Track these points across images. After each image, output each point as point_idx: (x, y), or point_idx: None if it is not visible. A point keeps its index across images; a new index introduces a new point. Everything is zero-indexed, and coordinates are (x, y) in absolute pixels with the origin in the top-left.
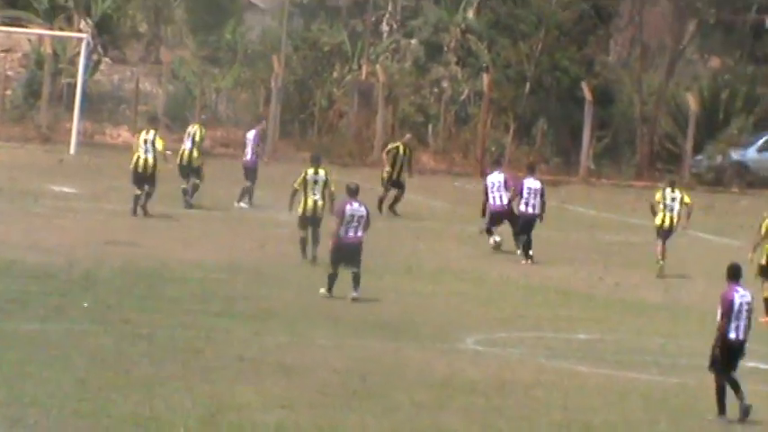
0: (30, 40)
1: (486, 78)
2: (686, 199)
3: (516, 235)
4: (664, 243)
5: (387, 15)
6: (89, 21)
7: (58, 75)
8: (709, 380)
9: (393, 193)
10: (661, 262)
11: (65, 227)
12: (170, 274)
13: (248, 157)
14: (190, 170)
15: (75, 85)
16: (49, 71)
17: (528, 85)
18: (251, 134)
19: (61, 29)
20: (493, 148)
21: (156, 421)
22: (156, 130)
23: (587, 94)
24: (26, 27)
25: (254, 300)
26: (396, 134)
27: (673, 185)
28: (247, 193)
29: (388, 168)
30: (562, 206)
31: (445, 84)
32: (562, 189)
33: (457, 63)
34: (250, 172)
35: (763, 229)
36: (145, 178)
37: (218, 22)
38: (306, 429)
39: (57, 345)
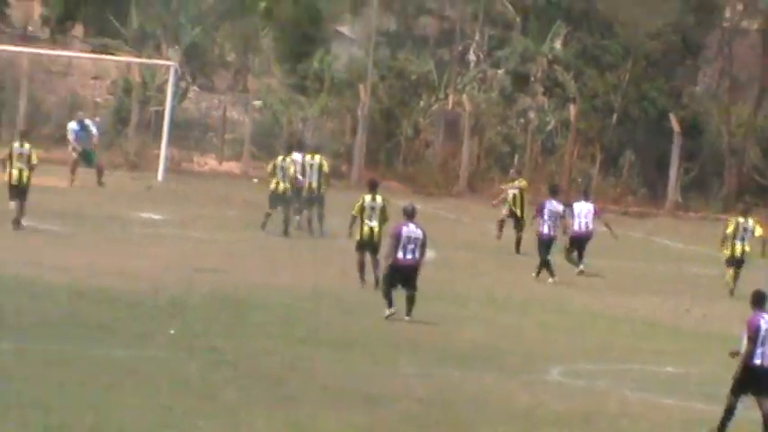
0: (118, 68)
1: (572, 109)
2: (758, 231)
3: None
4: (737, 270)
5: (474, 45)
6: (177, 49)
7: (146, 102)
8: None
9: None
10: (731, 284)
11: (152, 253)
12: (256, 300)
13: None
14: (316, 200)
15: (162, 113)
16: (138, 98)
17: (615, 116)
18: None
19: (150, 56)
20: (579, 179)
21: None
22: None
23: (675, 126)
24: (115, 54)
25: (337, 327)
26: (481, 164)
27: (746, 214)
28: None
29: (511, 207)
30: (648, 238)
31: (532, 114)
32: (649, 221)
33: (543, 93)
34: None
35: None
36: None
37: (306, 51)
38: None
39: (143, 371)
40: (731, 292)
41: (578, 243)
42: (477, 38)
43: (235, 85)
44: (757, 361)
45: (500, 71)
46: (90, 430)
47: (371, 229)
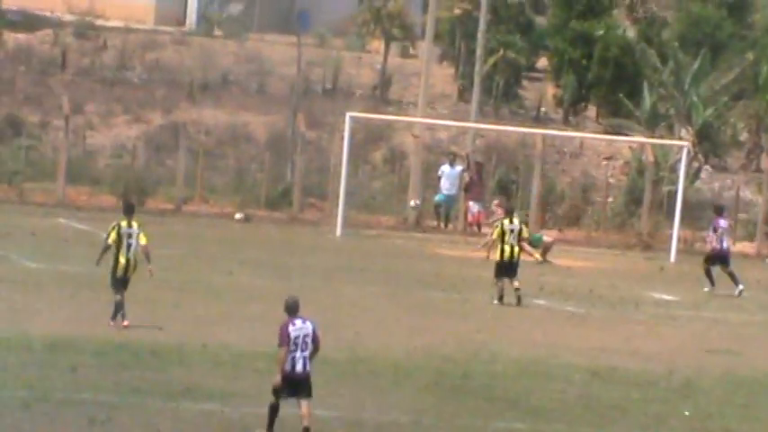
0: (631, 148)
1: None
2: None
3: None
4: None
5: None
6: (690, 129)
7: (658, 182)
8: None
9: None
10: None
11: (665, 334)
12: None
13: None
14: None
15: (675, 193)
16: (650, 179)
17: None
18: None
19: (662, 137)
20: None
21: None
22: None
23: None
24: (627, 135)
25: None
26: None
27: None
28: None
29: None
30: None
31: None
32: None
33: None
34: None
35: None
36: None
37: None
38: None
39: None
40: None
41: None
42: None
43: (748, 164)
44: (287, 367)
45: None
46: None
47: (512, 247)
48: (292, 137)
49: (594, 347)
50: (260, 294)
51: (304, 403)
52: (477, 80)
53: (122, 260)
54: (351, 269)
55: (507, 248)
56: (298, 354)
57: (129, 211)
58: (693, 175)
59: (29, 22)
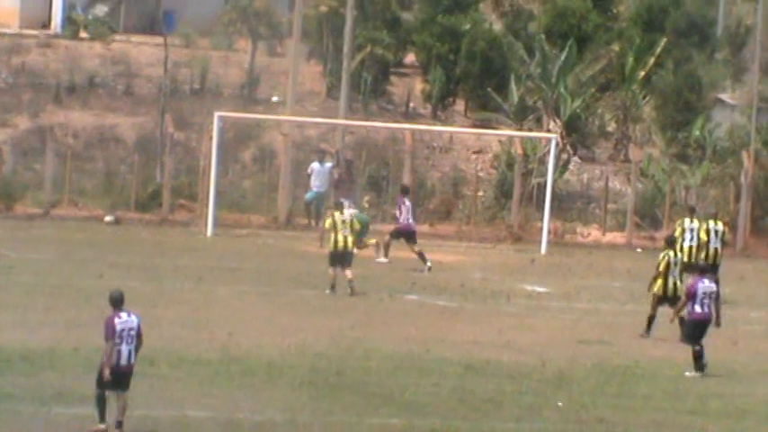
0: (500, 141)
1: None
2: None
3: None
4: None
5: None
6: (558, 121)
7: (528, 175)
8: None
9: None
10: None
11: (537, 326)
12: (641, 371)
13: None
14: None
15: (544, 185)
16: (520, 171)
17: None
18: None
19: (530, 129)
20: None
21: None
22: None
23: None
24: (496, 128)
25: (728, 397)
26: None
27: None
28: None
29: None
30: None
31: None
32: None
33: None
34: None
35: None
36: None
37: (687, 119)
38: None
39: None
40: None
41: None
42: None
43: (616, 155)
44: (113, 360)
45: None
46: None
47: (675, 283)
48: (161, 138)
49: (467, 341)
50: (131, 297)
51: (122, 396)
52: (345, 77)
53: None
54: (222, 269)
55: (340, 238)
56: (123, 347)
57: None
58: (562, 167)
59: None
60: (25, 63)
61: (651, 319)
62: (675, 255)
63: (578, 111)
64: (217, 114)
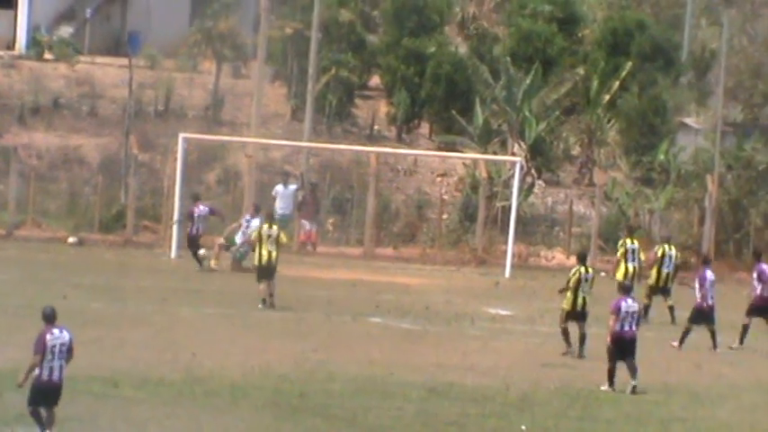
0: (465, 164)
1: None
2: None
3: None
4: None
5: None
6: (522, 144)
7: (492, 198)
8: None
9: None
10: None
11: (501, 349)
12: (604, 395)
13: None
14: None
15: (509, 208)
16: (484, 194)
17: None
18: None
19: (495, 152)
20: None
21: None
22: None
23: None
24: (461, 151)
25: (690, 421)
26: None
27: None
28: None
29: None
30: None
31: None
32: None
33: None
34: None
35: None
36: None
37: (651, 143)
38: None
39: None
40: None
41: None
42: None
43: (581, 178)
44: (44, 375)
45: None
46: None
47: (584, 299)
48: (125, 159)
49: (431, 364)
50: (95, 318)
51: (51, 411)
52: (309, 99)
53: None
54: (186, 291)
55: (265, 253)
56: (55, 362)
57: None
58: (527, 190)
59: None
60: None
61: (566, 333)
62: (587, 271)
63: (543, 134)
64: (181, 136)
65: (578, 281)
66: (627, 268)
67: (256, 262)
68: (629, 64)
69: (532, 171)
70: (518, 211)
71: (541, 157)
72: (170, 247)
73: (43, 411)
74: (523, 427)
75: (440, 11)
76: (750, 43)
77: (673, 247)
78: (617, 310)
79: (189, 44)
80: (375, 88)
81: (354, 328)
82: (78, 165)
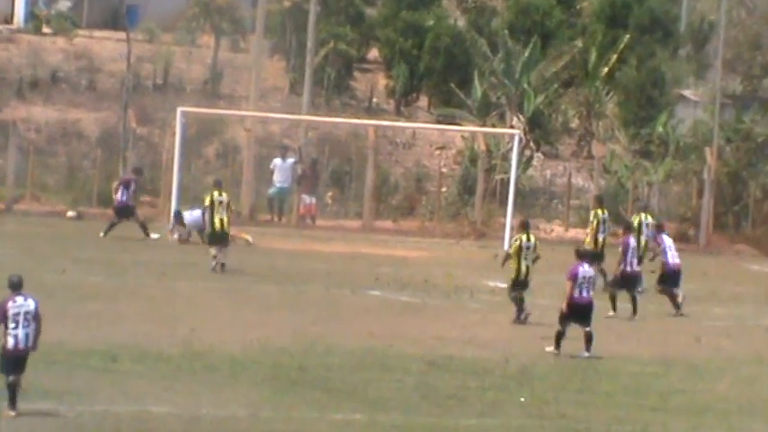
0: (463, 137)
1: None
2: None
3: None
4: None
5: None
6: (521, 117)
7: (491, 171)
8: None
9: None
10: None
11: (500, 322)
12: (604, 367)
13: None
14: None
15: (507, 181)
16: (483, 167)
17: None
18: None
19: (494, 125)
20: None
21: None
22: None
23: None
24: (459, 124)
25: (689, 393)
26: None
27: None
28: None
29: None
30: None
31: None
32: None
33: None
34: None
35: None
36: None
37: (650, 115)
38: None
39: None
40: None
41: None
42: None
43: (579, 151)
44: (10, 344)
45: None
46: None
47: (527, 267)
48: (124, 133)
49: (431, 337)
50: (94, 292)
51: (20, 378)
52: (308, 72)
53: None
54: (185, 265)
55: (217, 220)
56: (19, 331)
57: None
58: (525, 163)
59: None
60: None
61: (517, 301)
62: (528, 239)
63: (541, 107)
64: (180, 110)
65: (519, 248)
66: (597, 239)
67: (208, 228)
68: (628, 36)
69: (531, 144)
70: (517, 183)
71: (540, 129)
72: (169, 220)
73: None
74: (522, 399)
75: None
76: (749, 15)
77: (649, 216)
78: (574, 276)
79: (187, 17)
80: (374, 61)
81: (353, 301)
82: (77, 139)
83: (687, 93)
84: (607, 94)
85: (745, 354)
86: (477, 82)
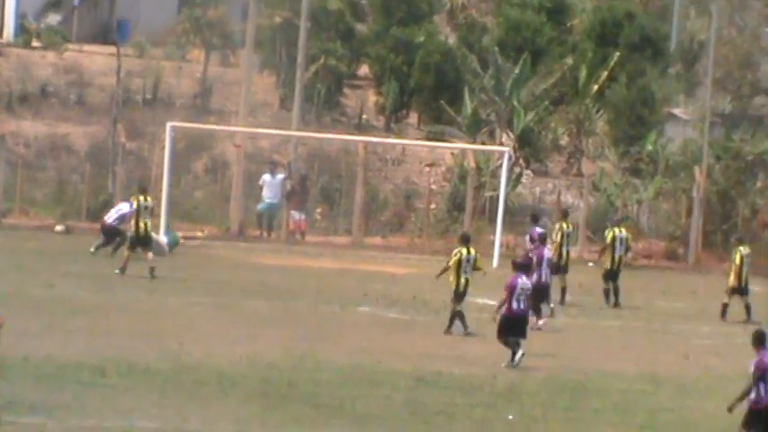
0: (453, 154)
1: None
2: None
3: None
4: None
5: None
6: (511, 134)
7: (480, 188)
8: None
9: None
10: None
11: (489, 339)
12: (592, 385)
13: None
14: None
15: (497, 198)
16: (472, 184)
17: None
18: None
19: (483, 142)
20: None
21: None
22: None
23: None
24: (449, 141)
25: (678, 411)
26: None
27: None
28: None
29: None
30: None
31: None
32: None
33: None
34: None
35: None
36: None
37: (640, 133)
38: None
39: None
40: None
41: None
42: None
43: (569, 168)
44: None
45: None
46: None
47: (467, 280)
48: (113, 147)
49: (419, 353)
50: (82, 306)
51: None
52: (298, 88)
53: None
54: (174, 279)
55: (142, 224)
56: None
57: None
58: (515, 180)
59: None
60: None
61: (458, 316)
62: (468, 252)
63: (531, 124)
64: (169, 124)
65: (459, 261)
66: (561, 252)
67: (132, 232)
68: (618, 54)
69: (521, 161)
70: (506, 201)
71: (530, 147)
72: (158, 235)
73: None
74: (511, 417)
75: (429, 0)
76: (739, 34)
77: (623, 230)
78: (512, 288)
79: (177, 32)
80: (364, 77)
81: (342, 318)
82: (66, 153)
83: (677, 111)
84: (597, 111)
85: (733, 372)
86: (467, 99)
